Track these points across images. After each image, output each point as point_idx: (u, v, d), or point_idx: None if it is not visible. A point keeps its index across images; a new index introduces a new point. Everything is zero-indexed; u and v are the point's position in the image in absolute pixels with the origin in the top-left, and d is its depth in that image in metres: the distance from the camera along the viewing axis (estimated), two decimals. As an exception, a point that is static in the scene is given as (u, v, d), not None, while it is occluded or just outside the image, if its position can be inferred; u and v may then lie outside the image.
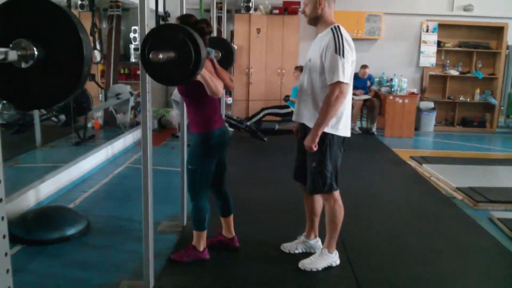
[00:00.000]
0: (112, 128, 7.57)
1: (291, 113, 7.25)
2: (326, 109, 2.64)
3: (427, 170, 5.56)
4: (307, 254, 3.13)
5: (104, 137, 7.17)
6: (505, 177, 5.41)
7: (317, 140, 2.69)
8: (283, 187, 4.56)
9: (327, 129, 2.73)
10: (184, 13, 3.44)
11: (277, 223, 3.83)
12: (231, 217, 3.30)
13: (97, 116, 7.80)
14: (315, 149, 2.72)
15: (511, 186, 4.96)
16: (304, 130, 2.91)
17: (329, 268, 2.98)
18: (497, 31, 8.66)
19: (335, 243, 2.99)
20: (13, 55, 1.25)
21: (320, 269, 2.93)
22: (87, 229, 3.60)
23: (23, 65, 1.33)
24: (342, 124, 2.79)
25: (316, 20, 2.76)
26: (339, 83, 2.59)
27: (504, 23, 8.48)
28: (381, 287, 2.88)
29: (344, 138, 2.87)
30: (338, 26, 2.68)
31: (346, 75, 2.60)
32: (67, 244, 3.36)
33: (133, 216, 3.97)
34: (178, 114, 7.84)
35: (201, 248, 3.06)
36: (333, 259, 2.99)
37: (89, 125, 7.25)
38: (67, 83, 1.42)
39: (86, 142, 6.37)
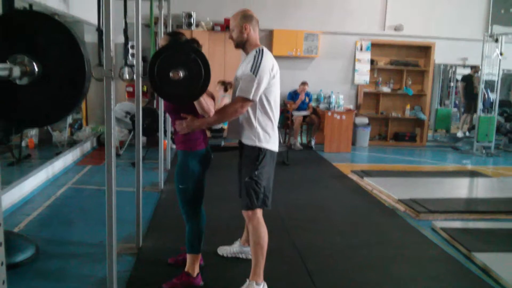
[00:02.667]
0: (47, 146, 7.26)
1: (221, 130, 7.34)
2: (221, 114, 2.76)
3: (368, 183, 5.81)
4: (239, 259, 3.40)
5: (40, 156, 6.87)
6: (440, 188, 5.76)
7: (193, 127, 2.75)
8: (232, 202, 4.57)
9: (262, 144, 2.83)
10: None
11: (226, 237, 3.83)
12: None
13: (31, 134, 7.43)
14: (182, 131, 2.77)
15: (447, 197, 5.28)
16: (241, 147, 2.97)
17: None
18: (425, 50, 9.27)
19: (262, 271, 2.89)
20: (16, 72, 1.19)
21: None
22: (36, 255, 3.43)
23: (18, 81, 1.27)
24: (274, 138, 2.91)
25: (243, 44, 2.88)
26: (243, 98, 2.70)
27: (432, 42, 9.10)
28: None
29: (276, 153, 2.97)
30: (262, 49, 2.80)
31: (255, 93, 2.69)
32: (17, 271, 3.18)
33: (82, 238, 3.85)
34: (119, 132, 7.76)
35: (195, 274, 2.98)
36: None
37: (23, 144, 6.89)
38: (66, 100, 1.36)
39: (22, 162, 6.06)
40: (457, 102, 12.05)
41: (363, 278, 3.25)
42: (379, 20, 9.17)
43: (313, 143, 8.54)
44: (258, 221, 2.87)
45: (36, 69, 1.32)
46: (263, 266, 2.88)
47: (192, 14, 8.42)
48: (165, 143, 6.35)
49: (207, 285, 3.03)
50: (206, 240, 3.31)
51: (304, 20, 8.86)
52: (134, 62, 3.76)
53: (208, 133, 7.52)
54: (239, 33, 2.83)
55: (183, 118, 2.75)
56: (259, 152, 2.84)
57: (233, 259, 3.46)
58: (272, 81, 2.78)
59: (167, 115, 5.95)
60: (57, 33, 1.38)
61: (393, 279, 3.27)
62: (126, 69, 6.81)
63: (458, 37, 9.20)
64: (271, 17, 8.78)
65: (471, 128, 9.71)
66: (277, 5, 8.85)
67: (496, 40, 8.41)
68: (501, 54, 8.39)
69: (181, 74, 2.23)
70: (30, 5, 5.78)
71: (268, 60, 2.76)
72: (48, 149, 7.02)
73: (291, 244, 3.80)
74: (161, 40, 3.01)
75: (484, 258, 3.53)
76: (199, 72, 2.30)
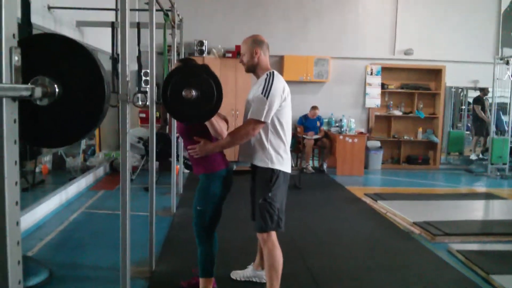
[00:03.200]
0: (61, 172, 7.31)
1: None
2: (234, 137, 2.78)
3: (382, 206, 5.75)
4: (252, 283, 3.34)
5: (54, 182, 6.91)
6: (455, 210, 5.68)
7: (207, 151, 2.75)
8: (244, 225, 4.56)
9: (275, 166, 2.85)
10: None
11: (239, 261, 3.80)
12: None
13: (45, 160, 7.51)
14: (195, 155, 2.77)
15: (463, 219, 5.21)
16: (254, 170, 2.98)
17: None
18: (436, 73, 9.28)
19: None
20: (38, 93, 1.22)
21: None
22: (50, 279, 3.42)
23: (39, 102, 1.30)
24: (287, 160, 2.92)
25: (254, 68, 2.94)
26: (255, 121, 2.73)
27: (442, 65, 9.12)
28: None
29: (289, 174, 2.98)
30: (273, 72, 2.84)
31: (267, 115, 2.72)
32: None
33: (95, 262, 3.85)
34: (131, 157, 7.81)
35: None
36: None
37: (37, 169, 6.96)
38: (85, 121, 1.39)
39: (35, 188, 6.11)
40: (469, 124, 11.98)
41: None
42: (389, 45, 9.23)
43: (325, 166, 8.51)
44: (273, 243, 2.86)
45: (57, 90, 1.35)
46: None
47: (204, 42, 8.56)
48: (178, 168, 6.37)
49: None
50: (218, 264, 3.30)
51: (314, 45, 8.95)
52: (147, 89, 3.82)
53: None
54: (250, 57, 2.89)
55: (195, 141, 2.76)
56: (272, 174, 2.85)
57: (246, 283, 3.43)
58: (283, 104, 2.82)
59: (179, 140, 6.02)
60: (78, 56, 1.42)
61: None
62: (140, 96, 6.93)
63: (468, 60, 9.20)
64: (281, 43, 8.88)
65: (485, 150, 9.62)
66: (288, 31, 8.96)
67: (507, 63, 8.40)
68: (512, 76, 8.37)
69: (194, 93, 2.26)
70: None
71: (279, 82, 2.79)
72: (62, 175, 7.06)
73: (305, 268, 3.75)
74: (174, 66, 3.07)
75: (502, 280, 3.46)
76: (211, 92, 2.34)
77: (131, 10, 6.29)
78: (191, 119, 2.56)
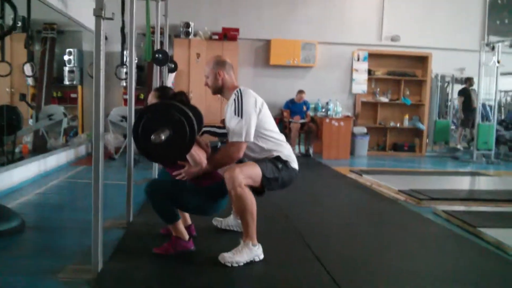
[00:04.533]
0: (42, 153, 7.14)
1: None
2: (218, 161, 2.77)
3: (367, 179, 5.70)
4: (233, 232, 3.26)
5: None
6: (441, 183, 5.65)
7: (192, 176, 2.73)
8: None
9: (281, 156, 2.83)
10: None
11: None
12: None
13: (26, 140, 7.33)
14: (182, 179, 2.75)
15: (449, 188, 5.16)
16: None
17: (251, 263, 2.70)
18: (422, 60, 9.28)
19: (255, 233, 2.74)
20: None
21: (242, 264, 2.67)
22: (22, 227, 3.29)
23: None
24: (291, 158, 2.89)
25: (220, 89, 2.91)
26: (238, 143, 2.70)
27: (428, 52, 9.12)
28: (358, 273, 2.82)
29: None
30: (240, 90, 2.78)
31: (247, 133, 2.69)
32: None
33: (73, 218, 3.74)
34: (115, 138, 7.67)
35: (186, 237, 2.85)
36: (257, 252, 2.74)
37: (17, 150, 6.78)
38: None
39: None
40: (454, 120, 11.98)
41: (369, 251, 3.12)
42: (376, 30, 9.23)
43: (311, 151, 8.44)
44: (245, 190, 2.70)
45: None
46: (255, 228, 2.73)
47: (190, 24, 8.47)
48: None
49: (199, 251, 2.88)
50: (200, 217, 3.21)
51: (301, 30, 8.89)
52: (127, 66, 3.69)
53: (215, 137, 7.38)
54: (214, 80, 2.88)
55: (178, 167, 2.73)
56: (281, 159, 2.81)
57: (227, 231, 3.33)
58: (261, 116, 2.78)
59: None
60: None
61: (401, 255, 3.11)
62: (123, 70, 6.80)
63: (454, 47, 9.23)
64: (268, 26, 8.85)
65: (471, 140, 9.60)
66: (274, 15, 8.91)
67: (493, 48, 8.43)
68: (498, 62, 8.40)
69: (162, 137, 2.26)
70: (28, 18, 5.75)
71: (249, 98, 2.75)
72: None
73: (292, 227, 3.68)
74: (150, 96, 3.02)
75: (491, 233, 3.39)
76: (183, 131, 2.37)
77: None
78: (164, 159, 2.65)
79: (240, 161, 2.87)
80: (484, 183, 6.03)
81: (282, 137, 2.92)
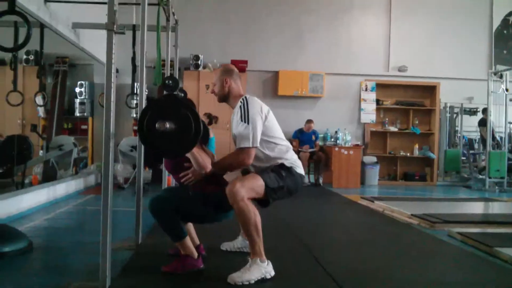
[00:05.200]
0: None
1: None
2: (228, 164, 2.81)
3: (379, 205, 5.61)
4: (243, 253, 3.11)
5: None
6: (455, 208, 5.55)
7: (197, 177, 2.73)
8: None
9: (285, 162, 2.83)
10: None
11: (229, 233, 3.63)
12: (191, 224, 3.12)
13: (36, 171, 7.36)
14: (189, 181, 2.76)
15: (463, 212, 5.06)
16: None
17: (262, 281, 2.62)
18: (430, 89, 9.31)
19: (262, 249, 2.66)
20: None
21: (253, 281, 2.59)
22: (29, 248, 3.25)
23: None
24: (296, 160, 2.90)
25: (226, 97, 2.94)
26: (245, 148, 2.70)
27: (437, 82, 9.16)
28: None
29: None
30: (246, 97, 2.81)
31: (254, 139, 2.70)
32: (5, 261, 3.01)
33: (81, 240, 3.69)
34: (124, 169, 7.68)
35: (195, 255, 2.79)
36: (266, 269, 2.65)
37: (27, 180, 6.80)
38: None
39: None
40: (464, 150, 11.86)
41: (382, 273, 3.00)
42: (383, 61, 9.31)
43: (320, 180, 8.39)
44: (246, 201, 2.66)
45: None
46: (261, 244, 2.66)
47: (200, 56, 8.61)
48: (169, 179, 6.18)
49: (209, 269, 2.82)
50: (208, 237, 3.26)
51: (309, 61, 9.00)
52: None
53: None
54: (221, 87, 2.91)
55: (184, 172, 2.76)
56: (285, 167, 2.81)
57: (236, 253, 3.25)
58: (266, 123, 2.79)
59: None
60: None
61: (417, 270, 3.05)
62: (134, 99, 6.85)
63: (462, 77, 9.26)
64: (276, 58, 8.97)
65: (482, 169, 9.47)
66: (283, 46, 9.04)
67: (501, 76, 8.46)
68: (506, 90, 8.40)
69: (167, 125, 2.27)
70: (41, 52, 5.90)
71: (255, 105, 2.77)
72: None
73: (303, 245, 3.59)
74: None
75: (508, 252, 3.29)
76: (189, 125, 2.38)
77: (121, 4, 6.36)
78: (167, 153, 2.62)
79: (246, 171, 2.87)
80: (498, 208, 5.92)
81: (287, 143, 2.92)
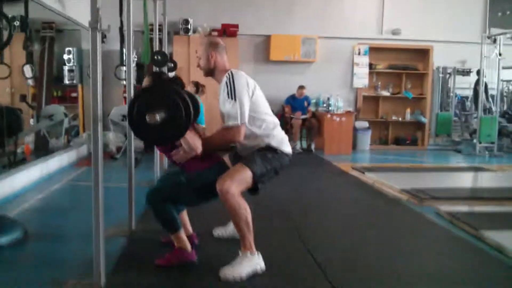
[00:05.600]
0: (44, 153, 7.13)
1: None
2: (217, 143, 2.79)
3: (369, 177, 5.68)
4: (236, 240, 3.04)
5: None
6: (443, 180, 5.64)
7: (189, 156, 2.71)
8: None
9: (273, 143, 2.82)
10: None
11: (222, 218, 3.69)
12: (185, 212, 3.16)
13: (27, 140, 7.33)
14: (181, 159, 2.75)
15: (451, 186, 5.15)
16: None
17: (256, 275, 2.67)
18: (424, 53, 9.22)
19: (252, 242, 2.71)
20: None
21: (244, 275, 2.63)
22: (24, 237, 3.29)
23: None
24: (283, 140, 2.90)
25: (211, 71, 2.89)
26: (233, 127, 2.69)
27: (430, 45, 9.06)
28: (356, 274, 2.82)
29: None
30: (231, 72, 2.75)
31: (242, 115, 2.67)
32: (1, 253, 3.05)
33: (75, 225, 3.76)
34: (116, 137, 7.66)
35: (189, 249, 2.83)
36: (257, 261, 2.70)
37: (19, 150, 6.78)
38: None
39: (16, 166, 5.95)
40: (456, 111, 11.92)
41: (371, 254, 3.13)
42: (377, 24, 9.16)
43: (313, 147, 8.44)
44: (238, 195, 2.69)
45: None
46: (252, 238, 2.71)
47: (189, 20, 8.42)
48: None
49: (202, 262, 2.87)
50: (201, 222, 3.26)
51: (301, 25, 8.85)
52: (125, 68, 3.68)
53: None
54: (206, 61, 2.86)
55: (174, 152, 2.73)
56: (271, 148, 2.80)
57: (229, 240, 3.31)
58: (254, 98, 2.76)
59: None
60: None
61: (403, 254, 3.14)
62: (123, 68, 6.78)
63: (456, 40, 9.16)
64: (268, 22, 8.80)
65: (473, 132, 9.54)
66: (274, 10, 8.85)
67: (494, 41, 8.37)
68: (499, 54, 8.33)
69: (157, 117, 2.23)
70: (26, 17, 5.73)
71: (241, 79, 2.72)
72: (45, 156, 6.90)
73: (293, 226, 3.67)
74: (144, 81, 3.00)
75: (492, 235, 3.37)
76: (179, 113, 2.33)
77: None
78: (158, 141, 2.61)
79: (232, 148, 2.91)
80: (487, 180, 6.01)
81: (274, 119, 2.90)
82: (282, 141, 2.86)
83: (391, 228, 3.80)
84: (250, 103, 2.73)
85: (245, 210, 2.64)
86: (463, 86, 12.03)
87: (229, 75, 2.72)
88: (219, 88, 2.84)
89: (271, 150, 2.80)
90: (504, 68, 8.66)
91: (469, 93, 10.18)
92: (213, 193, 2.71)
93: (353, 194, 5.11)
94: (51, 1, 5.80)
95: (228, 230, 3.38)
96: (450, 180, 5.75)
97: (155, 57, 4.87)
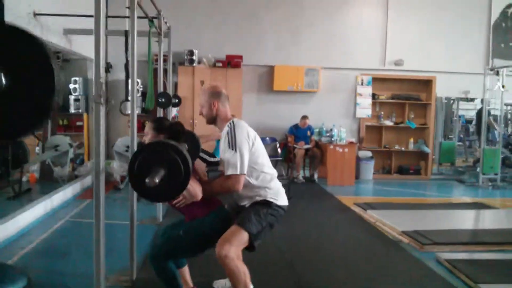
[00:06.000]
0: (49, 182, 7.21)
1: (217, 163, 7.25)
2: (217, 191, 2.82)
3: (371, 215, 5.70)
4: None
5: (41, 191, 6.81)
6: (444, 220, 5.64)
7: (189, 201, 2.73)
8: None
9: (270, 198, 2.85)
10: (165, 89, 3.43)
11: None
12: (186, 267, 3.20)
13: (33, 169, 7.42)
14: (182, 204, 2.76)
15: (452, 228, 5.15)
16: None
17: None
18: (426, 83, 9.28)
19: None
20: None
21: None
22: (28, 286, 3.32)
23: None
24: (279, 194, 2.92)
25: (214, 119, 2.96)
26: (232, 176, 2.74)
27: (432, 76, 9.12)
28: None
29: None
30: (233, 122, 2.83)
31: (242, 166, 2.73)
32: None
33: (77, 270, 3.78)
34: (120, 166, 7.73)
35: None
36: None
37: (24, 178, 6.87)
38: (35, 114, 1.32)
39: (21, 197, 6.03)
40: (461, 136, 11.99)
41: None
42: (379, 55, 9.23)
43: (316, 176, 8.48)
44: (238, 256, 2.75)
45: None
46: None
47: (194, 51, 8.52)
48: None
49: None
50: (200, 273, 3.26)
51: (305, 56, 8.92)
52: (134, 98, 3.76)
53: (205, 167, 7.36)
54: (208, 109, 2.92)
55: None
56: (266, 202, 2.84)
57: None
58: (253, 149, 2.82)
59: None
60: (29, 47, 1.40)
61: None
62: (128, 104, 6.87)
63: (459, 70, 9.20)
64: (272, 53, 8.90)
65: (477, 161, 9.56)
66: (278, 41, 8.96)
67: (497, 73, 8.42)
68: (503, 86, 8.38)
69: (157, 180, 2.25)
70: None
71: (242, 130, 2.79)
72: (50, 185, 6.97)
73: (293, 274, 3.68)
74: (146, 127, 3.04)
75: (492, 290, 3.39)
76: (178, 169, 2.30)
77: (114, 17, 6.29)
78: (159, 198, 2.59)
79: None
80: (488, 220, 6.01)
81: (272, 171, 2.94)
82: (278, 193, 2.90)
83: (390, 276, 3.81)
84: (249, 154, 2.78)
85: (244, 275, 2.67)
86: (467, 107, 12.16)
87: (230, 125, 2.80)
88: (221, 137, 2.91)
89: (266, 205, 2.83)
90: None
91: (474, 114, 10.18)
92: (210, 243, 2.75)
93: (354, 234, 5.12)
94: (58, 39, 5.92)
95: (228, 283, 3.41)
96: (452, 219, 5.75)
97: (160, 100, 4.95)
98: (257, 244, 2.82)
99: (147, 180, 2.23)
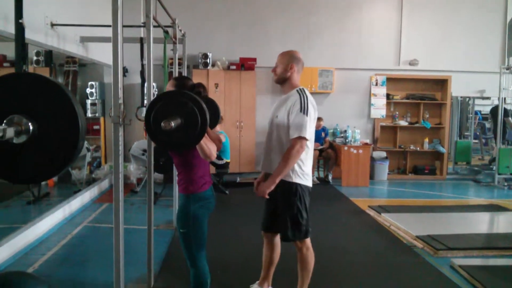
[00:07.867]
0: (67, 184, 7.35)
1: (225, 165, 7.37)
2: (287, 160, 2.85)
3: (386, 219, 5.71)
4: None
5: (59, 194, 6.96)
6: (459, 223, 5.63)
7: (272, 187, 2.89)
8: (245, 241, 4.58)
9: (298, 180, 2.96)
10: (177, 75, 3.50)
11: (242, 279, 3.79)
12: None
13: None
14: (267, 196, 2.93)
15: (467, 232, 5.15)
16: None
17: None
18: (441, 83, 9.23)
19: None
20: (10, 133, 1.22)
21: None
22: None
23: (16, 140, 1.30)
24: (308, 174, 3.04)
25: (284, 81, 3.02)
26: (301, 138, 2.81)
27: (448, 75, 9.06)
28: None
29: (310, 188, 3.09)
30: (303, 89, 2.94)
31: (308, 132, 2.84)
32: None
33: (96, 278, 3.86)
34: (137, 169, 7.85)
35: None
36: None
37: (43, 182, 7.01)
38: (61, 157, 1.39)
39: (40, 200, 6.16)
40: (477, 133, 11.91)
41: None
42: (394, 55, 9.20)
43: (330, 177, 8.50)
44: (307, 249, 3.12)
45: (31, 127, 1.40)
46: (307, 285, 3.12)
47: (208, 54, 8.59)
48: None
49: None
50: (220, 284, 3.30)
51: (318, 57, 8.92)
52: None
53: (213, 169, 7.42)
54: (284, 70, 3.00)
55: (185, 161, 2.70)
56: (297, 188, 2.97)
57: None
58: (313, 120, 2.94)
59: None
60: (52, 93, 1.47)
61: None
62: (144, 109, 6.98)
63: (474, 70, 9.13)
64: (285, 54, 8.90)
65: (493, 160, 9.48)
66: (291, 43, 8.95)
67: (513, 72, 8.34)
68: (519, 85, 8.30)
69: (172, 124, 2.21)
70: (50, 51, 6.02)
71: (312, 99, 2.93)
72: (67, 187, 7.11)
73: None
74: (168, 85, 3.03)
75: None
76: (195, 120, 2.26)
77: (130, 26, 6.37)
78: (174, 147, 2.54)
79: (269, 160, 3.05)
80: (503, 223, 5.99)
81: (311, 146, 3.03)
82: (307, 173, 3.01)
83: (402, 282, 3.84)
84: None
85: (312, 262, 3.11)
86: (483, 103, 12.04)
87: (302, 90, 2.94)
88: (282, 99, 3.03)
89: (300, 189, 2.99)
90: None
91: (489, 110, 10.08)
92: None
93: (368, 238, 5.15)
94: (75, 47, 6.03)
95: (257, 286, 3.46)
96: (466, 222, 5.72)
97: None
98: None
99: (162, 124, 2.15)
